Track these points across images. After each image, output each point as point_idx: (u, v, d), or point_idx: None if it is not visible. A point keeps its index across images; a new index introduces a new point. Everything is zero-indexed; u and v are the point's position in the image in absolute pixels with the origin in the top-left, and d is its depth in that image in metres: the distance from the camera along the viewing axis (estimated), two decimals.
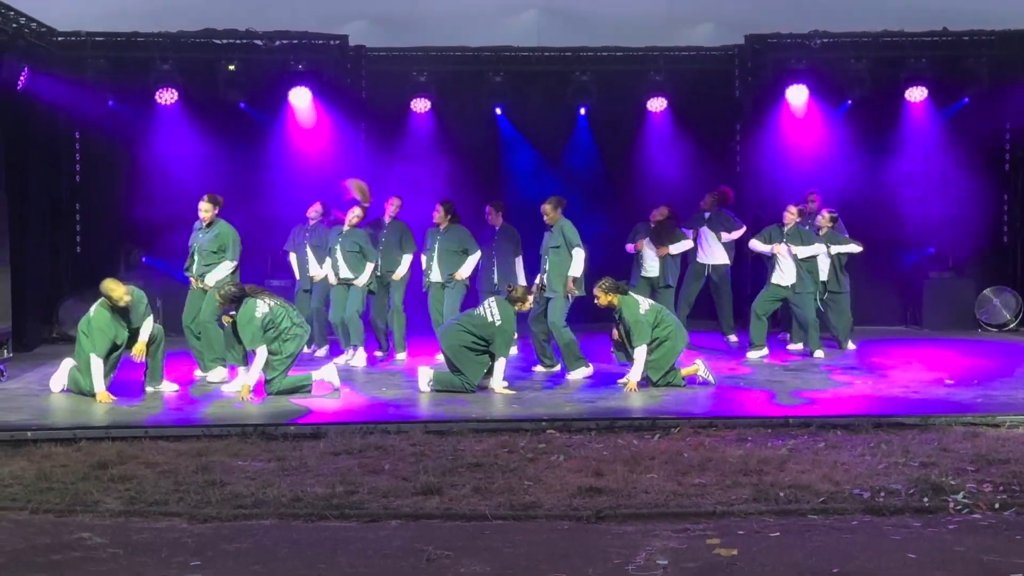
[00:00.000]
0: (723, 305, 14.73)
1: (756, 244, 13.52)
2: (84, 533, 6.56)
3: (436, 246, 13.00)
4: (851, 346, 13.72)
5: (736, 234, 14.53)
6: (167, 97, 15.16)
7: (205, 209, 11.68)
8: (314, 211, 13.85)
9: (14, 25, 14.00)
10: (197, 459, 8.12)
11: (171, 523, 6.78)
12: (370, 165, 15.87)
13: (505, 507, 6.93)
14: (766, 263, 13.55)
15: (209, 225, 11.70)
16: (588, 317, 12.86)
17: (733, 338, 14.53)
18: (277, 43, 15.64)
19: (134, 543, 6.38)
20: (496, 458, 8.12)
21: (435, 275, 13.03)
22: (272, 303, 10.79)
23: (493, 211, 13.51)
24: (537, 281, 11.98)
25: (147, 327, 10.79)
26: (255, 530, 6.63)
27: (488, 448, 8.46)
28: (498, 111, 16.26)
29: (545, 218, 12.00)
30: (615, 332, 11.23)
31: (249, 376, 10.62)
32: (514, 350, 13.25)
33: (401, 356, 13.20)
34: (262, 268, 15.06)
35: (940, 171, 16.16)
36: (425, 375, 10.90)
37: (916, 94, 15.74)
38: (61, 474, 7.76)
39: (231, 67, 15.22)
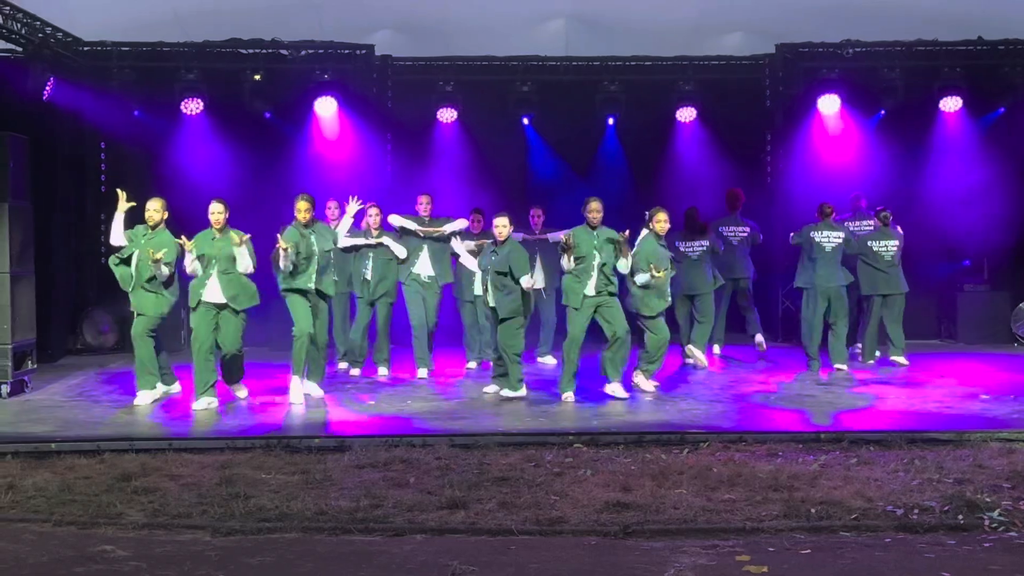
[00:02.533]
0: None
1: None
2: (107, 546, 6.56)
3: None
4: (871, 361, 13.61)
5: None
6: (193, 107, 15.23)
7: (219, 211, 11.16)
8: (333, 211, 13.20)
9: (40, 35, 14.08)
10: (221, 472, 8.12)
11: (194, 536, 6.77)
12: (396, 175, 15.91)
13: (531, 522, 6.88)
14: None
15: (221, 230, 11.08)
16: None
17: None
18: (303, 53, 15.71)
19: (157, 556, 6.38)
20: (522, 472, 8.08)
21: (479, 288, 12.49)
22: None
23: (537, 217, 13.40)
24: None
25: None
26: (278, 544, 6.60)
27: (514, 462, 8.41)
28: (525, 121, 16.24)
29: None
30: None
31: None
32: (551, 359, 13.22)
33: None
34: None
35: (975, 182, 15.98)
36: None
37: (950, 104, 15.64)
38: (84, 486, 7.78)
39: (257, 77, 15.27)
